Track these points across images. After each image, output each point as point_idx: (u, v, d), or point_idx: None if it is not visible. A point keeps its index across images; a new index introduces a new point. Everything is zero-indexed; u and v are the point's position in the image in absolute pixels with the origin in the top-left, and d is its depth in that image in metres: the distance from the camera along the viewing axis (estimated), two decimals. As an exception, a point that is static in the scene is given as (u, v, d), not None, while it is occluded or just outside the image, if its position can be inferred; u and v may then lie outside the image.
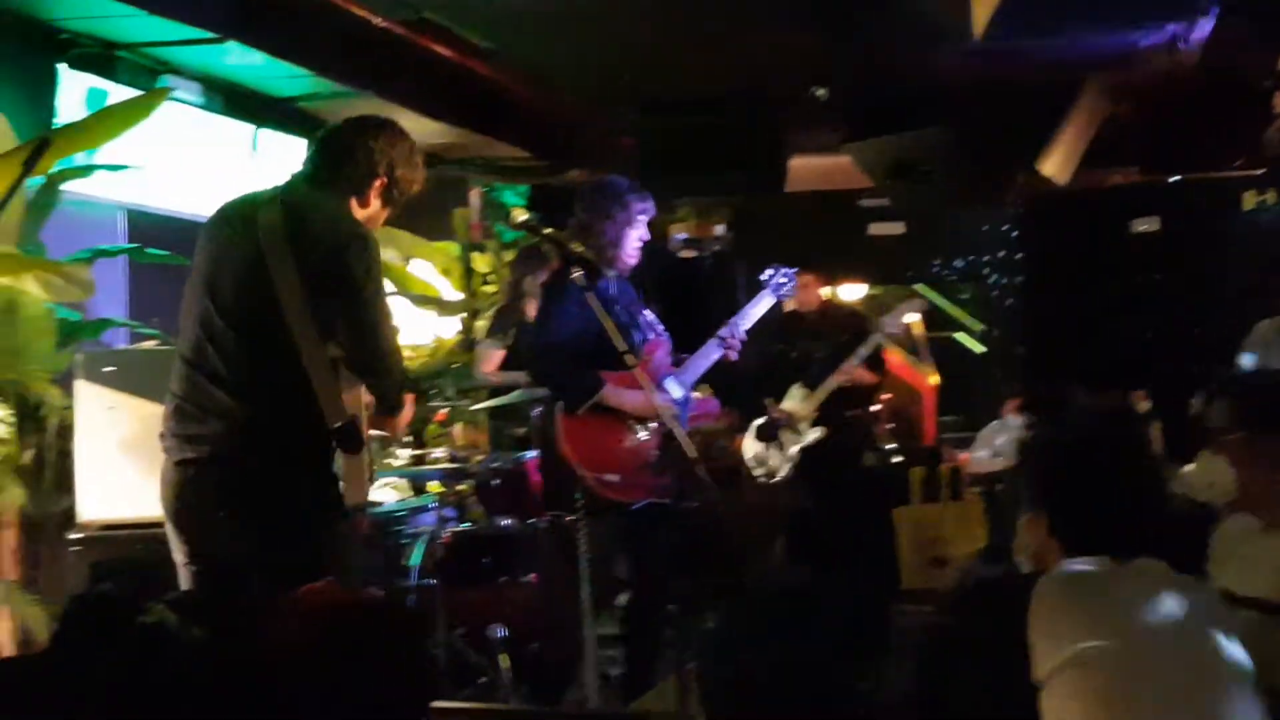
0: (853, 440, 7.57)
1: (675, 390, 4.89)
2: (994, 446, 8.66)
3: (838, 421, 7.29)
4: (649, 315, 4.97)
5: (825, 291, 8.17)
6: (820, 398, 7.12)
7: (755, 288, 5.51)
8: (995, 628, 2.58)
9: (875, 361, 7.38)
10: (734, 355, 5.05)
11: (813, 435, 7.15)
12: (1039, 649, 2.47)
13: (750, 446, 7.26)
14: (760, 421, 7.26)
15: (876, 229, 10.77)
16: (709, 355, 5.01)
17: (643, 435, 4.72)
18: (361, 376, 3.50)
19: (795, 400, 7.19)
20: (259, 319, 3.41)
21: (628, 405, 4.65)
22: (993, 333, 11.67)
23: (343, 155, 3.62)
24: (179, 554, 3.47)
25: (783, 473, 7.13)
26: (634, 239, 4.84)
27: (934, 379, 11.12)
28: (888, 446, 8.44)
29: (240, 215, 3.56)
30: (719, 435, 7.52)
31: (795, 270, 5.61)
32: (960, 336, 13.04)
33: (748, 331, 5.11)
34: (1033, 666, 2.48)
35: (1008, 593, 2.60)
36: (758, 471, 7.14)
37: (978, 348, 12.61)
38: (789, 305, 7.38)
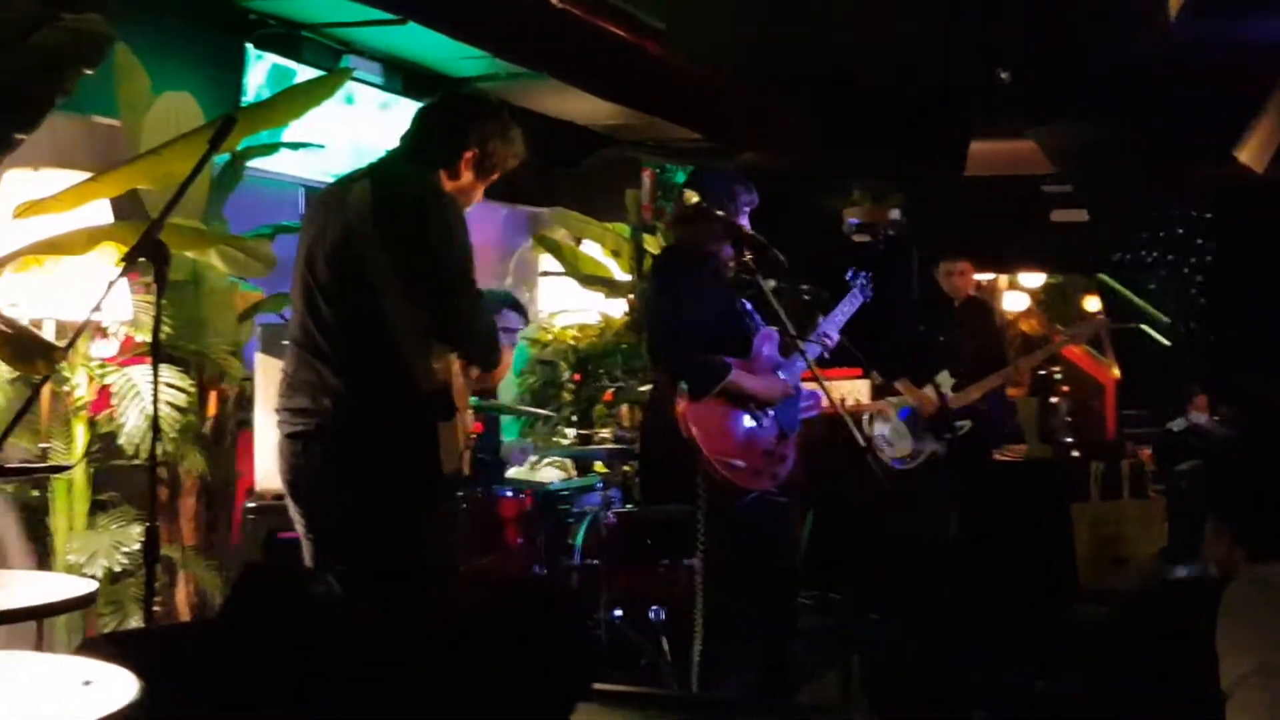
0: (996, 430, 7.42)
1: (790, 379, 4.85)
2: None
3: (984, 414, 7.14)
4: (749, 305, 4.90)
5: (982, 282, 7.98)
6: (975, 394, 6.95)
7: (931, 275, 5.41)
8: (1179, 633, 2.49)
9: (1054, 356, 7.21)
10: (827, 355, 5.04)
11: (963, 427, 6.99)
12: (1225, 658, 2.38)
13: (880, 425, 7.08)
14: (893, 403, 7.04)
15: (1059, 215, 10.52)
16: (810, 351, 4.93)
17: (765, 422, 4.67)
18: (444, 340, 3.55)
19: (944, 387, 7.03)
20: (351, 294, 3.49)
21: (752, 389, 4.61)
22: (1180, 325, 11.29)
23: (433, 130, 3.70)
24: (299, 525, 3.57)
25: (919, 458, 6.94)
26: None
27: (1116, 372, 10.83)
28: (1068, 440, 8.25)
29: (334, 194, 3.67)
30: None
31: (869, 273, 5.49)
32: (1146, 328, 12.65)
33: (899, 308, 5.04)
34: (1220, 675, 2.39)
35: (1193, 597, 2.50)
36: (888, 453, 6.96)
37: (1164, 340, 12.22)
38: (943, 288, 7.26)
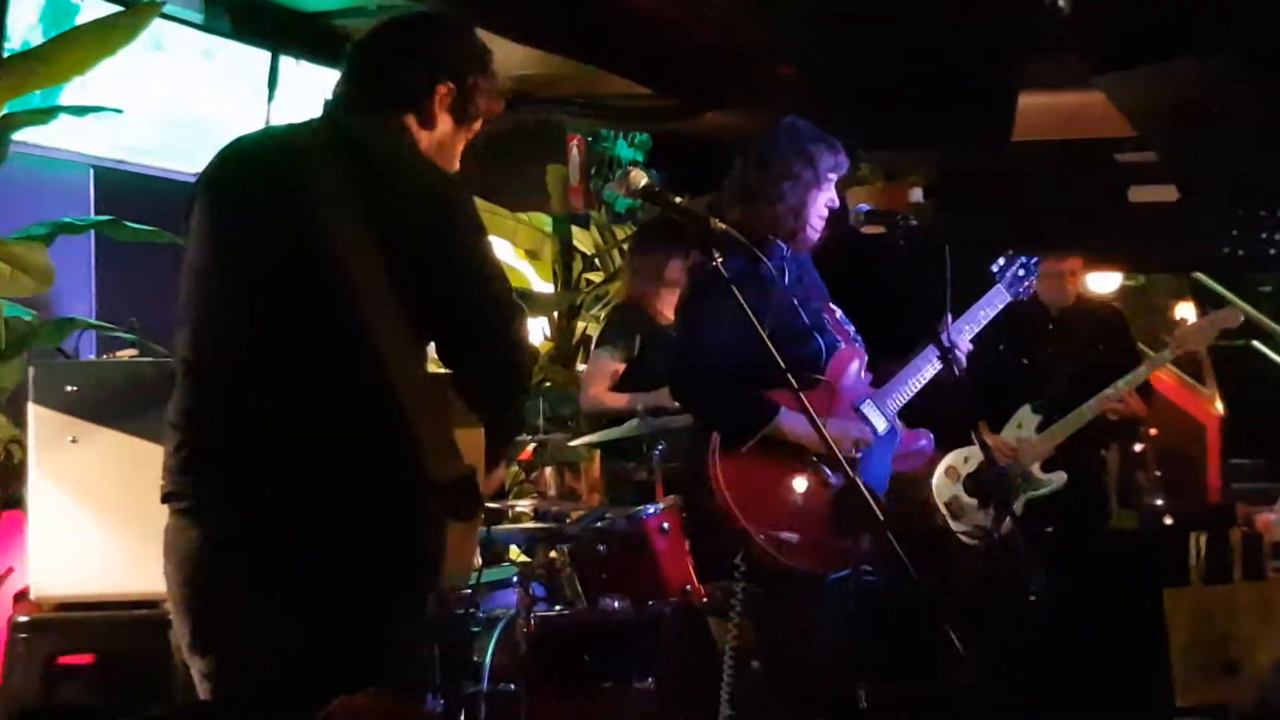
0: (1102, 491, 7.41)
1: (876, 419, 4.83)
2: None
3: (1086, 464, 7.15)
4: (838, 313, 4.92)
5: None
6: (1066, 430, 6.97)
7: (967, 279, 5.38)
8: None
9: (1141, 386, 7.21)
10: (957, 372, 4.97)
11: (1050, 482, 7.00)
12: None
13: (945, 489, 7.13)
14: (963, 455, 7.12)
15: (1139, 194, 10.62)
16: (921, 371, 4.94)
17: (833, 480, 4.66)
18: (476, 395, 3.41)
19: (1025, 429, 7.05)
20: (312, 314, 3.31)
21: (812, 439, 4.58)
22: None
23: (388, 63, 3.56)
24: (189, 649, 3.41)
25: (996, 531, 6.97)
26: (821, 206, 4.81)
27: (1220, 408, 10.91)
28: (1157, 502, 8.29)
29: (262, 162, 3.50)
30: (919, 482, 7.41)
31: (1037, 260, 5.50)
32: (1260, 346, 12.79)
33: (930, 324, 5.04)
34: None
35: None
36: (957, 526, 7.02)
37: (1284, 363, 12.35)
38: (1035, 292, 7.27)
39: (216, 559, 3.30)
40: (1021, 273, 5.41)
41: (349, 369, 3.27)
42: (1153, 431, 8.88)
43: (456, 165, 3.62)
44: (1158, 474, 8.72)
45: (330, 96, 3.60)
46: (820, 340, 4.76)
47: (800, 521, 4.59)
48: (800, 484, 4.65)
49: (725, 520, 4.56)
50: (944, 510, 7.04)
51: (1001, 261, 5.43)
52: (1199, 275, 12.34)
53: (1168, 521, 8.22)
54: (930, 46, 8.18)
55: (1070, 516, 7.01)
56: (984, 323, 5.19)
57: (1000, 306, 5.27)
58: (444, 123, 3.56)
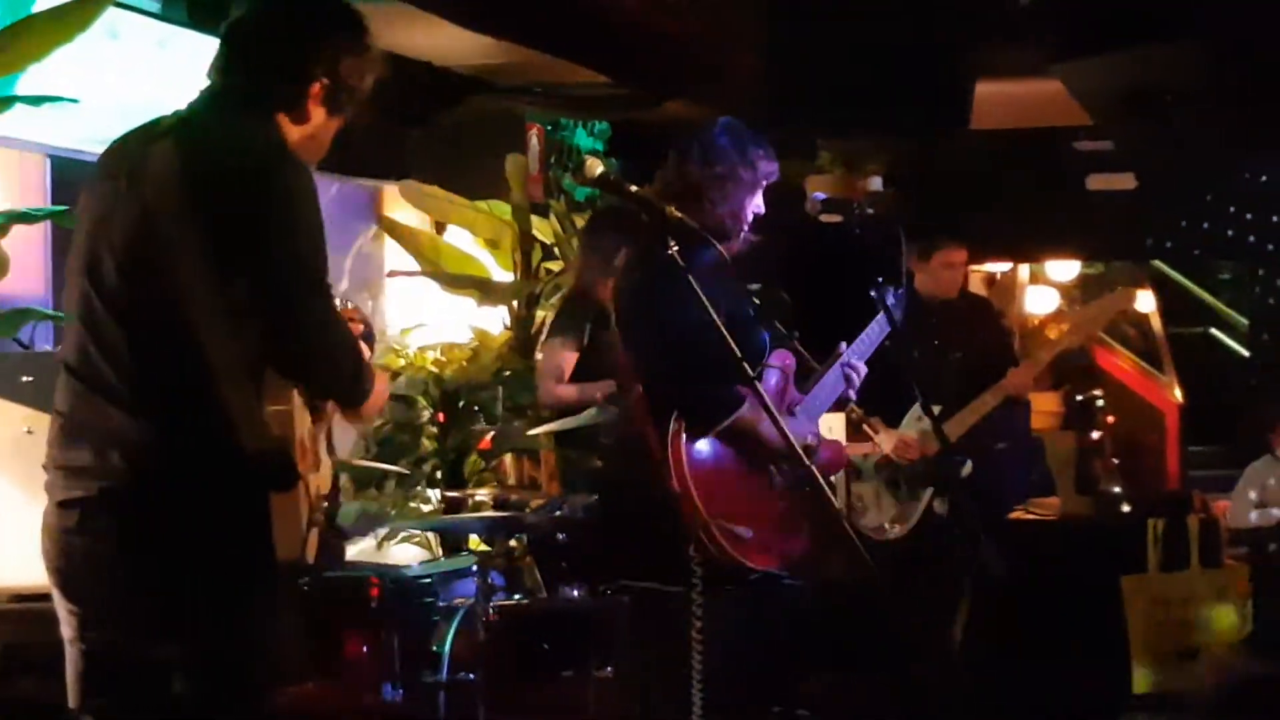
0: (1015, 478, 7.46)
1: (808, 424, 4.87)
2: (1265, 492, 8.50)
3: (1003, 453, 7.19)
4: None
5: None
6: (965, 421, 6.99)
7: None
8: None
9: (1088, 372, 7.26)
10: (853, 394, 5.07)
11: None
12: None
13: (859, 483, 7.13)
14: (861, 454, 7.12)
15: (1098, 182, 10.64)
16: (834, 386, 4.96)
17: (779, 480, 4.68)
18: (286, 367, 3.44)
19: (923, 423, 7.05)
20: (150, 303, 3.35)
21: (769, 432, 4.60)
22: (1264, 328, 11.47)
23: (258, 53, 3.53)
24: (66, 628, 3.46)
25: (901, 525, 6.99)
26: (751, 210, 4.81)
27: (1178, 395, 10.95)
28: (1115, 490, 8.31)
29: (123, 159, 3.49)
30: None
31: (901, 290, 5.54)
32: (1218, 334, 12.85)
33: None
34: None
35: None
36: (862, 525, 7.02)
37: (1242, 350, 12.40)
38: (921, 288, 7.29)
39: (74, 540, 3.40)
40: (894, 299, 5.43)
41: (175, 355, 3.33)
42: (1110, 419, 8.91)
43: (323, 151, 3.62)
44: (1115, 461, 8.74)
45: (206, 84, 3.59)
46: (765, 334, 4.78)
47: (750, 517, 4.60)
48: (753, 479, 4.67)
49: (681, 508, 4.53)
50: (844, 509, 7.02)
51: (880, 286, 5.43)
52: (1158, 263, 12.39)
53: (1125, 509, 8.23)
54: (888, 35, 8.18)
55: (996, 504, 7.05)
56: (871, 349, 5.22)
57: (884, 334, 5.29)
58: (317, 115, 3.55)
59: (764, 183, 4.81)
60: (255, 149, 3.42)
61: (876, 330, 5.27)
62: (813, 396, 4.92)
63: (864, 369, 5.09)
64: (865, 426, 6.91)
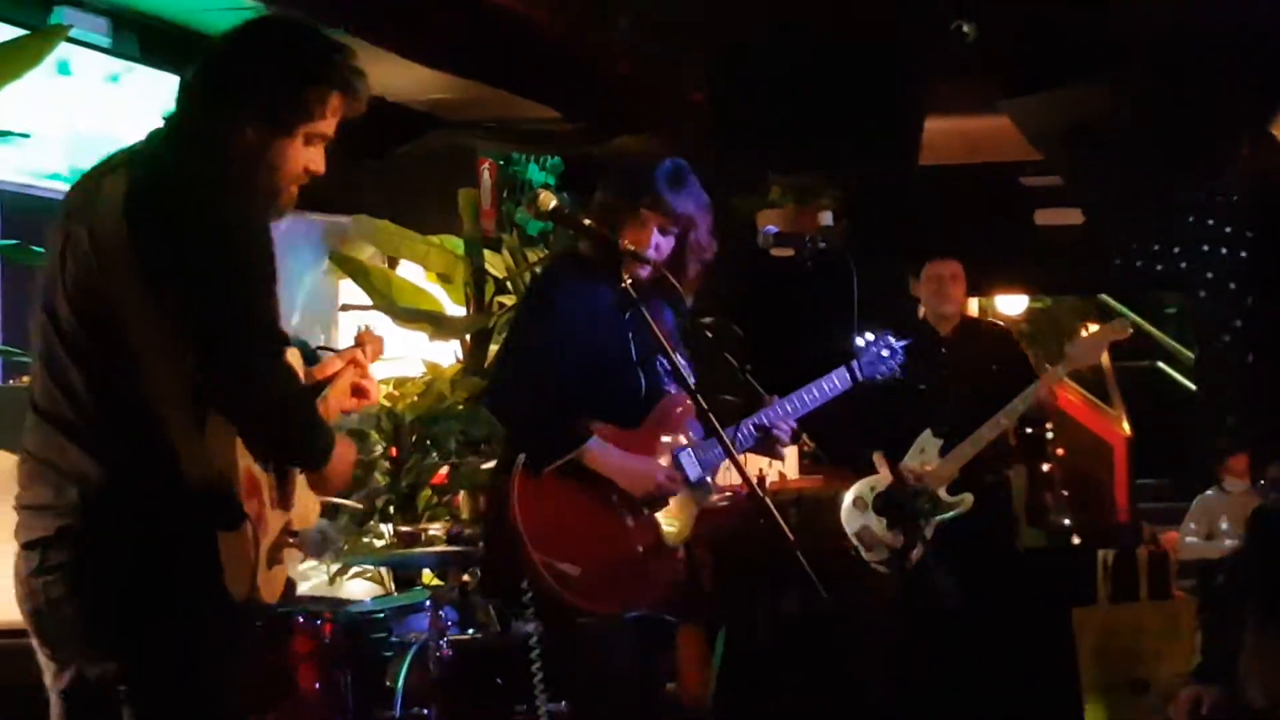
0: (1009, 512, 7.45)
1: (691, 468, 4.81)
2: (1211, 522, 8.54)
3: (991, 486, 7.19)
4: (681, 360, 4.84)
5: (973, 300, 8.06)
6: (968, 453, 7.01)
7: (877, 302, 5.38)
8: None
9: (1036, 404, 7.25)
10: (782, 451, 5.01)
11: (957, 505, 7.03)
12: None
13: (853, 519, 7.13)
14: (869, 485, 7.14)
15: (1045, 217, 10.70)
16: (739, 443, 4.84)
17: (630, 522, 4.66)
18: (230, 420, 3.35)
19: (927, 454, 7.07)
20: (100, 340, 3.32)
21: (620, 474, 4.59)
22: (1210, 362, 11.54)
23: (218, 83, 3.52)
24: (47, 674, 3.44)
25: (905, 556, 7.00)
26: (658, 246, 4.72)
27: (1126, 428, 11.01)
28: (1065, 522, 8.35)
29: (80, 197, 3.47)
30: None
31: (906, 342, 5.46)
32: (1164, 367, 12.93)
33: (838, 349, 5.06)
34: None
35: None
36: (869, 556, 7.02)
37: (1188, 383, 12.47)
38: (925, 306, 7.29)
39: (38, 579, 3.37)
40: (886, 353, 5.34)
41: (124, 395, 3.31)
42: (1060, 451, 8.95)
43: (296, 173, 3.56)
44: (1065, 493, 8.78)
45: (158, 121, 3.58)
46: (642, 378, 4.72)
47: (589, 558, 4.56)
48: (596, 519, 4.62)
49: (514, 545, 4.52)
50: (855, 540, 7.04)
51: (870, 337, 5.37)
52: (1104, 297, 12.46)
53: (1075, 541, 8.27)
54: (837, 71, 8.21)
55: (978, 537, 7.04)
56: (812, 406, 5.08)
57: (840, 389, 5.18)
58: (285, 151, 3.51)
59: (673, 229, 4.71)
60: (196, 185, 3.36)
61: (832, 386, 5.13)
62: (711, 442, 4.76)
63: (791, 425, 4.97)
64: (874, 460, 6.93)
